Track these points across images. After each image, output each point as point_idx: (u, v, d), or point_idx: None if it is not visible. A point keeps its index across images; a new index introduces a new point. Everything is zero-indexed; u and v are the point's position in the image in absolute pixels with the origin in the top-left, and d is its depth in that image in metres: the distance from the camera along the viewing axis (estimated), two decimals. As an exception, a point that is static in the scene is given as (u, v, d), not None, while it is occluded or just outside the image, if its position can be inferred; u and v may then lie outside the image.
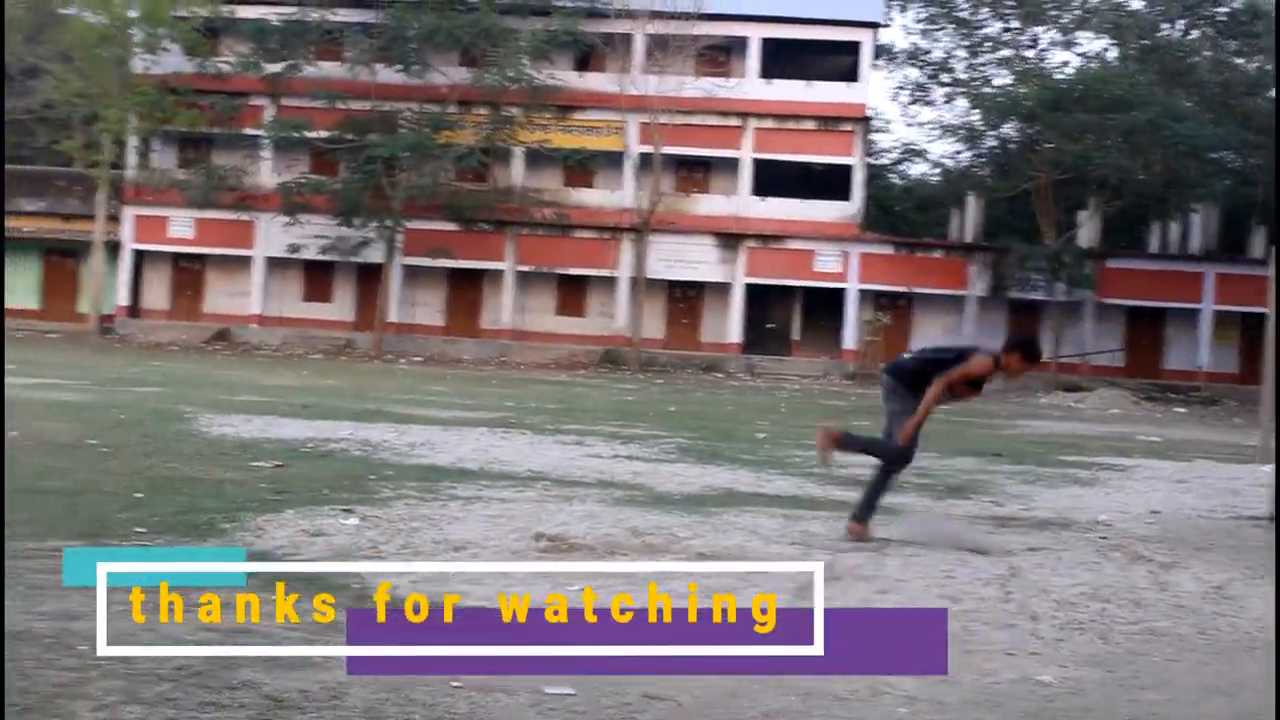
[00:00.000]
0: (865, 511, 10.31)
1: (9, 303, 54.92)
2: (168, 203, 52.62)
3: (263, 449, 14.80)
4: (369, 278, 52.58)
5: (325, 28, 51.09)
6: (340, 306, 54.00)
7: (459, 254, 51.62)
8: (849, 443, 10.78)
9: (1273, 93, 46.92)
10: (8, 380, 24.40)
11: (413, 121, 50.44)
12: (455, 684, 5.75)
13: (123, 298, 53.78)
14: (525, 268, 52.28)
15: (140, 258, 54.27)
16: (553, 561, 8.77)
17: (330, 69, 51.37)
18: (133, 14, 50.28)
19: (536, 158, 52.06)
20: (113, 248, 53.18)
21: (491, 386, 33.41)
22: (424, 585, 7.80)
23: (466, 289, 53.62)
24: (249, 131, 52.82)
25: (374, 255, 50.86)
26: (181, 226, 53.43)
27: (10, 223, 54.79)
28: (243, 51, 51.57)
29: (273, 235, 52.14)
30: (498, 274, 52.73)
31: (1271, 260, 14.91)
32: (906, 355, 10.91)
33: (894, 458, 10.38)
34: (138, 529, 9.17)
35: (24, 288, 55.50)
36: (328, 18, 50.78)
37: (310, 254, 51.54)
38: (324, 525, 9.78)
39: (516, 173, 52.67)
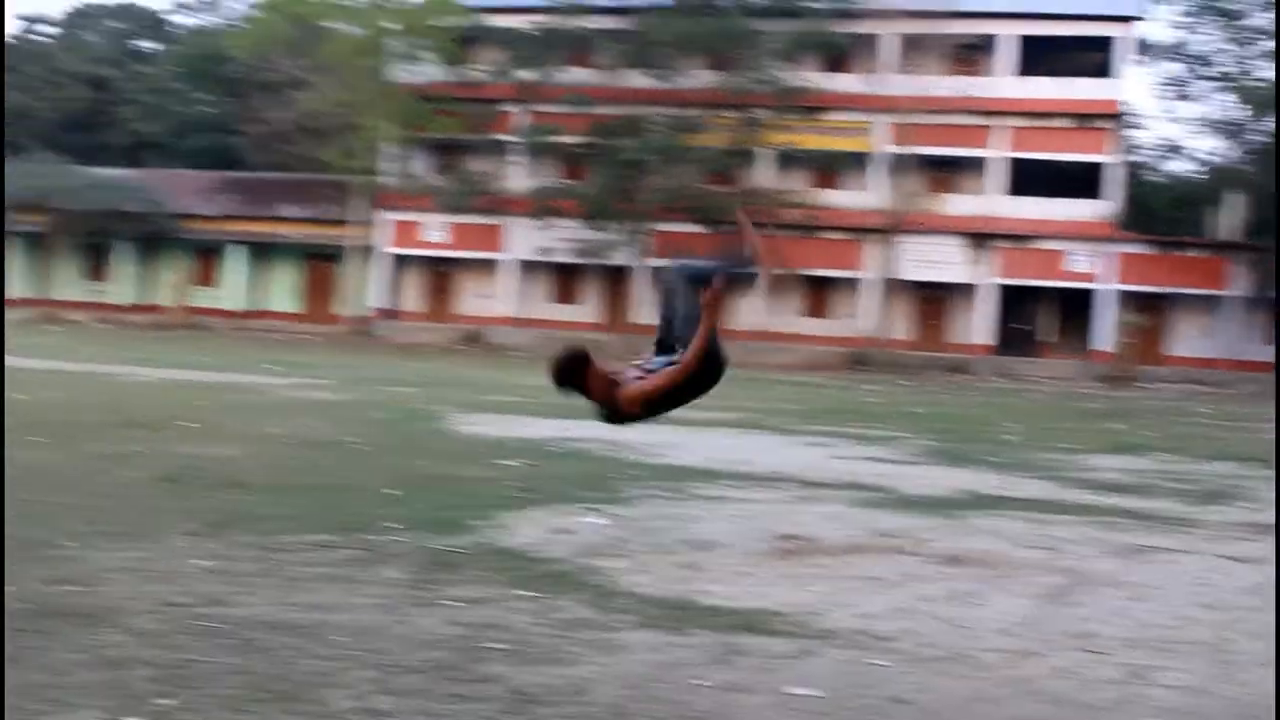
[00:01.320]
0: None
1: (272, 306, 56.91)
2: (421, 207, 53.82)
3: (511, 448, 15.03)
4: (617, 280, 53.07)
5: (576, 34, 51.73)
6: (588, 308, 54.58)
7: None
8: None
9: None
10: (273, 380, 25.27)
11: (661, 125, 50.74)
12: (696, 682, 5.76)
13: (379, 300, 55.17)
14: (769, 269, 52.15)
15: (396, 261, 55.62)
16: (796, 562, 8.74)
17: (580, 75, 52.02)
18: (391, 25, 51.67)
19: (784, 159, 51.93)
20: (370, 252, 54.63)
21: (736, 387, 33.40)
22: (667, 584, 7.85)
23: (712, 290, 53.70)
24: (501, 137, 53.76)
25: (622, 258, 51.33)
26: (435, 230, 54.61)
27: (272, 228, 56.77)
28: (496, 59, 52.54)
29: (523, 239, 52.99)
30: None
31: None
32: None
33: None
34: (390, 524, 9.39)
35: (285, 291, 57.39)
36: (578, 25, 51.39)
37: (559, 257, 52.23)
38: (570, 523, 9.90)
39: (764, 174, 52.61)
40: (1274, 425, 24.11)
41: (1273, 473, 16.70)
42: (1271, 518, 12.31)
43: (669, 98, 51.05)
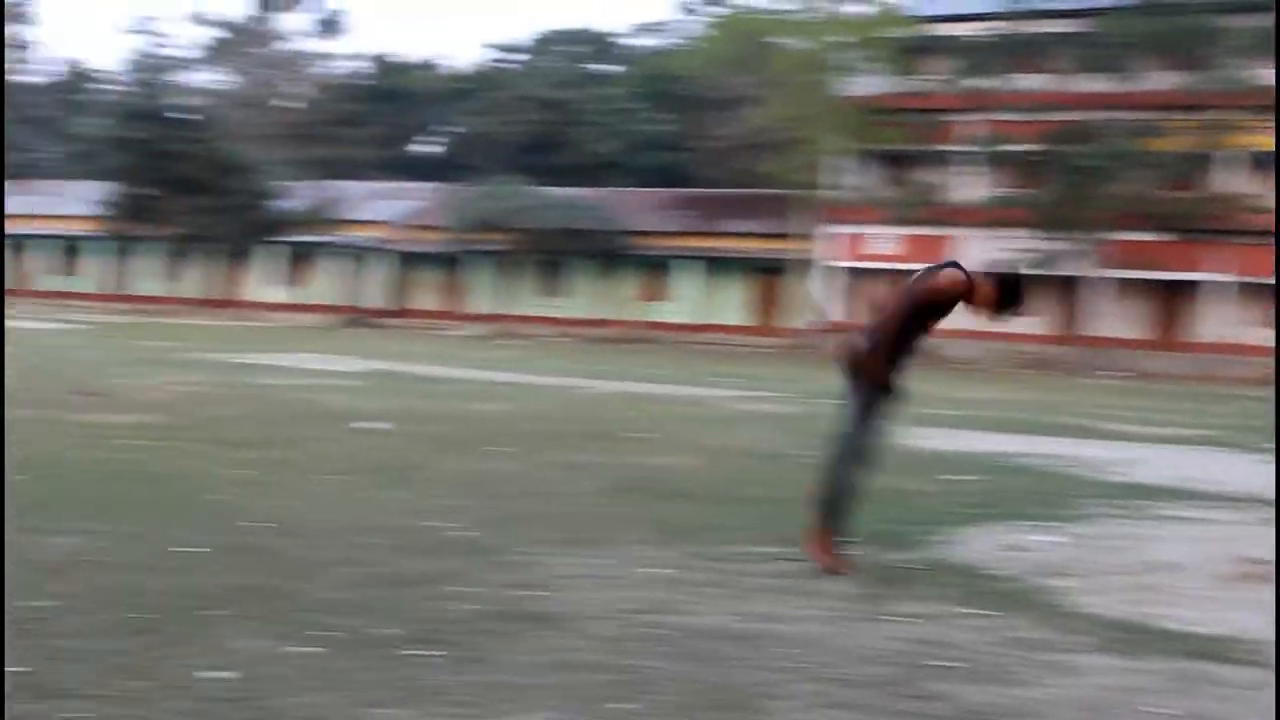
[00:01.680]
0: (828, 521, 8.23)
1: (721, 320, 58.03)
2: (867, 219, 53.87)
3: (958, 462, 14.84)
4: (1069, 290, 51.80)
5: (1029, 40, 50.88)
6: (1040, 319, 53.43)
7: (1164, 264, 49.98)
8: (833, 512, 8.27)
9: None
10: (721, 392, 25.72)
11: (1117, 130, 49.28)
12: (1153, 710, 5.53)
13: (827, 312, 55.47)
14: (1235, 278, 49.92)
15: (842, 273, 55.82)
16: (1261, 587, 8.30)
17: (1032, 81, 51.08)
18: (839, 39, 52.04)
19: (1249, 162, 49.65)
20: (816, 265, 55.01)
21: (1197, 402, 32.11)
22: (1122, 606, 7.58)
23: (1171, 300, 51.82)
24: (949, 147, 53.29)
25: (1075, 268, 50.06)
26: (881, 242, 54.54)
27: (718, 243, 57.94)
28: (943, 69, 52.16)
29: (974, 250, 52.30)
30: (1205, 285, 50.64)
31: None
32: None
33: (857, 454, 8.23)
34: (836, 538, 9.37)
35: (734, 305, 58.43)
36: (1029, 30, 50.53)
37: (1012, 268, 51.36)
38: (1021, 540, 9.69)
39: (1227, 178, 50.40)
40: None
41: None
42: None
43: (1125, 101, 49.55)
